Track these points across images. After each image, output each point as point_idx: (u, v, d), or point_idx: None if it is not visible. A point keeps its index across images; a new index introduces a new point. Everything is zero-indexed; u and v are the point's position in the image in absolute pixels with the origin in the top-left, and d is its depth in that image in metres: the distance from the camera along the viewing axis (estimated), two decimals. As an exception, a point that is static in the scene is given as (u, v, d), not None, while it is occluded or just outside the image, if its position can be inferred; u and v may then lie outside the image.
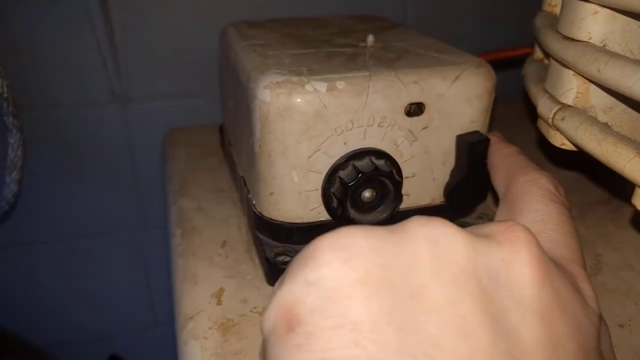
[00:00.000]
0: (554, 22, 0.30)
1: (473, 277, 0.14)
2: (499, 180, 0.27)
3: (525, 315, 0.14)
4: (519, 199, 0.22)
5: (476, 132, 0.32)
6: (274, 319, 0.14)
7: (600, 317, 0.16)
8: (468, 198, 0.34)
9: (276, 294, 0.15)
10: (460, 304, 0.13)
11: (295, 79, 0.28)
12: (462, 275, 0.14)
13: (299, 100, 0.27)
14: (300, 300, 0.14)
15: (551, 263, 0.15)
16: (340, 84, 0.28)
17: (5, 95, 0.48)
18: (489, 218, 0.35)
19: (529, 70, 0.34)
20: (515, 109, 0.59)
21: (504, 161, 0.27)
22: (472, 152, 0.31)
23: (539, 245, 0.15)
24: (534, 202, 0.21)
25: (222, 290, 0.31)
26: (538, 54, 0.36)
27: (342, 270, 0.13)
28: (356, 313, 0.13)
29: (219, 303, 0.30)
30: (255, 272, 0.33)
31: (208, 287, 0.32)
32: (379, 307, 0.13)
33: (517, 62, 0.46)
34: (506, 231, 0.15)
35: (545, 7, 0.34)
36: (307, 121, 0.28)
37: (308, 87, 0.28)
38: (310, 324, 0.13)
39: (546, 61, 0.32)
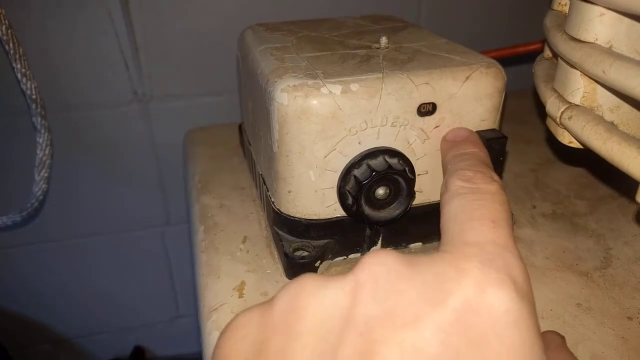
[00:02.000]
0: (563, 21, 0.31)
1: (305, 317, 0.16)
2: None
3: (346, 336, 0.15)
4: (440, 206, 0.24)
5: (494, 129, 0.32)
6: None
7: (479, 292, 0.16)
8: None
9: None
10: (289, 344, 0.16)
11: (311, 82, 0.29)
12: (297, 318, 0.16)
13: (315, 102, 0.29)
14: None
15: (401, 271, 0.16)
16: (354, 86, 0.29)
17: (34, 96, 0.50)
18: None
19: (539, 69, 0.35)
20: (525, 104, 0.60)
21: (444, 169, 0.28)
22: (489, 148, 0.31)
23: (383, 262, 0.17)
24: (444, 205, 0.22)
25: (243, 283, 0.33)
26: (548, 52, 0.36)
27: (221, 352, 0.18)
28: None
29: (240, 296, 0.32)
30: (274, 266, 0.35)
31: (230, 281, 0.33)
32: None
33: (529, 57, 0.46)
34: (357, 264, 0.17)
35: (555, 6, 0.34)
36: (322, 122, 0.29)
37: (323, 90, 0.29)
38: None
39: (555, 60, 0.33)
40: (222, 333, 0.18)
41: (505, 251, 0.18)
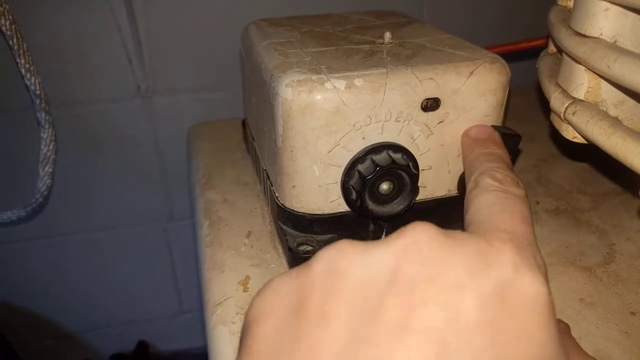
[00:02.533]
0: (568, 16, 0.31)
1: (347, 278, 0.17)
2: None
3: (387, 296, 0.16)
4: (466, 199, 0.24)
5: (508, 127, 0.32)
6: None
7: (514, 275, 0.17)
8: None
9: None
10: (329, 302, 0.16)
11: (315, 77, 0.29)
12: (339, 277, 0.17)
13: (319, 97, 0.29)
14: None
15: (443, 239, 0.17)
16: (358, 81, 0.29)
17: (38, 92, 0.51)
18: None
19: (543, 64, 0.35)
20: (529, 100, 0.60)
21: (466, 169, 0.28)
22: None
23: (426, 230, 0.17)
24: (471, 200, 0.23)
25: (248, 278, 0.33)
26: (552, 47, 0.36)
27: (257, 309, 0.18)
28: (256, 334, 0.17)
29: (245, 290, 0.32)
30: (278, 260, 0.35)
31: (235, 275, 0.33)
32: (271, 326, 0.17)
33: (533, 53, 0.46)
34: (398, 231, 0.18)
35: (560, 1, 0.34)
36: (327, 117, 0.29)
37: (328, 85, 0.29)
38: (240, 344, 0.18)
39: (559, 55, 0.33)
40: (257, 295, 0.19)
41: (533, 246, 0.19)
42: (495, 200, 0.22)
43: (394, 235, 0.18)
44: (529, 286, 0.16)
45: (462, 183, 0.34)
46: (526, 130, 0.54)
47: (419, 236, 0.17)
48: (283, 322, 0.17)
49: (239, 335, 0.29)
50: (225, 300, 0.31)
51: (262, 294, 0.18)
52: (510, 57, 0.47)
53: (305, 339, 0.16)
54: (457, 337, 0.15)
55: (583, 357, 0.22)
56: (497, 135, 0.30)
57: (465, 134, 0.31)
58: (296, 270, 0.18)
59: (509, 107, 0.34)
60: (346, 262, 0.17)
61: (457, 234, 0.18)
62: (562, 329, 0.24)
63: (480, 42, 0.42)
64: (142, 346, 0.77)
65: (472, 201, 0.23)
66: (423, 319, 0.15)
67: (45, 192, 0.54)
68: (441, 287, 0.16)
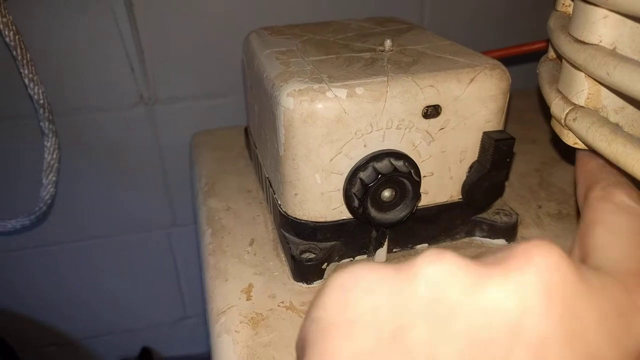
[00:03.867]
0: (567, 22, 0.31)
1: (462, 315, 0.14)
2: (579, 196, 0.25)
3: (515, 351, 0.13)
4: (588, 214, 0.21)
5: (502, 131, 0.33)
6: (297, 349, 0.17)
7: None
8: (486, 194, 0.35)
9: (301, 326, 0.17)
10: (438, 343, 0.14)
11: (316, 86, 0.29)
12: (450, 315, 0.14)
13: (320, 106, 0.29)
14: (305, 334, 0.16)
15: (578, 284, 0.14)
16: (359, 90, 0.29)
17: (41, 101, 0.51)
18: (506, 214, 0.36)
19: (543, 70, 0.35)
20: (531, 103, 0.60)
21: (586, 175, 0.25)
22: (497, 148, 0.32)
23: (558, 266, 0.14)
24: (603, 215, 0.20)
25: (251, 286, 0.33)
26: (552, 53, 0.36)
27: (336, 312, 0.15)
28: (336, 350, 0.14)
29: (248, 298, 0.32)
30: (282, 268, 0.35)
31: (238, 284, 0.33)
32: (360, 346, 0.14)
33: (534, 56, 0.46)
34: (520, 254, 0.14)
35: (559, 7, 0.34)
36: (328, 126, 0.29)
37: (329, 94, 0.29)
38: (307, 355, 0.15)
39: (559, 61, 0.33)
40: (338, 287, 0.16)
41: None
42: (636, 229, 0.19)
43: (514, 260, 0.14)
44: None
45: (467, 187, 0.34)
46: (528, 133, 0.54)
47: (548, 276, 0.14)
48: (382, 344, 0.14)
49: (242, 344, 0.29)
50: (228, 308, 0.32)
51: (347, 290, 0.15)
52: (511, 60, 0.48)
53: None
54: None
55: None
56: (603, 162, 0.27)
57: (583, 166, 0.28)
58: (394, 274, 0.15)
59: (511, 110, 0.34)
60: (456, 292, 0.14)
61: (589, 274, 0.15)
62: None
63: (481, 46, 0.43)
64: (146, 352, 0.77)
65: (604, 215, 0.20)
66: None
67: (49, 201, 0.55)
68: (576, 354, 0.13)
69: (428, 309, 0.14)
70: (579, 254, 0.19)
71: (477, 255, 0.16)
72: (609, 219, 0.19)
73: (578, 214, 0.41)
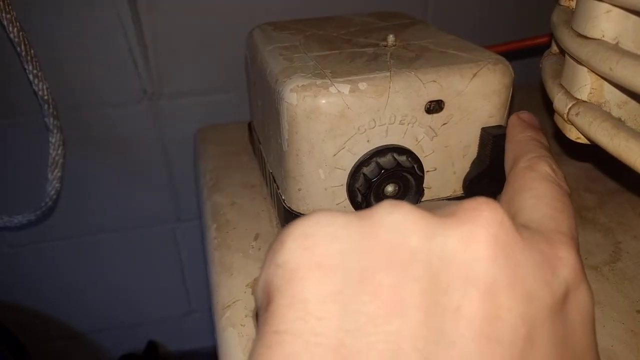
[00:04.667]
0: (570, 17, 0.31)
1: (422, 261, 0.15)
2: (505, 165, 0.28)
3: (468, 292, 0.15)
4: (516, 182, 0.23)
5: (500, 126, 0.33)
6: (259, 296, 0.17)
7: (575, 286, 0.17)
8: (487, 189, 0.35)
9: (260, 273, 0.17)
10: (402, 287, 0.15)
11: (319, 81, 0.29)
12: (412, 260, 0.15)
13: (323, 102, 0.29)
14: (270, 280, 0.16)
15: (516, 237, 0.16)
16: (362, 85, 0.30)
17: (46, 97, 0.51)
18: (509, 208, 0.36)
19: (547, 64, 0.35)
20: (534, 98, 0.60)
21: (514, 146, 0.28)
22: (495, 144, 0.32)
23: (502, 222, 0.16)
24: (529, 182, 0.22)
25: (255, 281, 0.34)
26: (555, 48, 0.36)
27: (302, 256, 0.16)
28: (307, 293, 0.15)
29: (253, 292, 0.33)
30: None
31: (243, 278, 0.34)
32: (329, 288, 0.15)
33: (538, 50, 0.46)
34: (470, 209, 0.16)
35: (562, 2, 0.34)
36: (331, 121, 0.29)
37: (332, 90, 0.29)
38: (274, 302, 0.15)
39: (562, 56, 0.33)
40: (300, 230, 0.16)
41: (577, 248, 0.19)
42: (555, 195, 0.21)
43: (465, 214, 0.16)
44: (584, 297, 0.17)
45: (467, 182, 0.34)
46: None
47: (494, 227, 0.16)
48: (345, 289, 0.15)
49: (247, 337, 0.29)
50: (234, 303, 0.32)
51: (312, 235, 0.16)
52: (516, 54, 0.47)
53: (381, 324, 0.14)
54: (534, 352, 0.15)
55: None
56: (538, 122, 0.30)
57: (516, 115, 0.30)
58: (357, 221, 0.16)
59: (515, 104, 0.34)
60: (415, 239, 0.15)
61: (521, 229, 0.17)
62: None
63: (485, 40, 0.43)
64: (152, 346, 0.78)
65: (529, 183, 0.22)
66: (506, 330, 0.15)
67: (55, 196, 0.55)
68: (521, 296, 0.15)
69: (390, 253, 0.15)
70: (508, 211, 0.21)
71: (429, 208, 0.17)
72: (534, 186, 0.22)
73: (582, 208, 0.41)
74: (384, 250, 0.15)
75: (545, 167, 0.23)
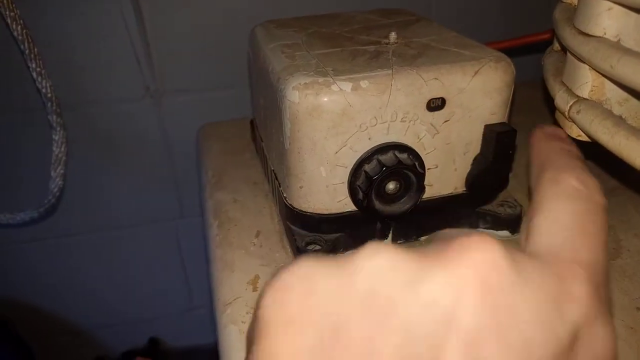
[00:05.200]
0: (572, 14, 0.31)
1: (400, 311, 0.14)
2: (532, 175, 0.25)
3: (449, 343, 0.14)
4: (537, 197, 0.21)
5: (504, 123, 0.33)
6: (247, 342, 0.17)
7: (588, 324, 0.15)
8: (490, 186, 0.35)
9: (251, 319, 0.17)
10: (376, 338, 0.14)
11: (321, 80, 0.30)
12: (389, 310, 0.14)
13: (325, 100, 0.29)
14: (251, 331, 0.16)
15: (513, 278, 0.14)
16: (364, 83, 0.30)
17: (49, 95, 0.51)
18: (510, 205, 0.36)
19: (548, 62, 0.35)
20: (537, 94, 0.60)
21: (540, 156, 0.25)
22: (498, 141, 0.32)
23: (494, 262, 0.15)
24: (550, 200, 0.20)
25: (257, 277, 0.34)
26: (557, 45, 0.36)
27: (276, 312, 0.15)
28: (278, 348, 0.15)
29: (254, 289, 0.33)
30: (287, 260, 0.35)
31: (244, 275, 0.34)
32: (300, 343, 0.14)
33: (541, 46, 0.46)
34: (459, 249, 0.15)
35: (565, -1, 0.34)
36: (333, 119, 0.30)
37: (334, 88, 0.29)
38: (252, 351, 0.15)
39: (564, 53, 0.33)
40: (282, 284, 0.16)
41: (602, 275, 0.17)
42: (580, 215, 0.18)
43: (452, 254, 0.15)
44: (599, 336, 0.15)
45: (470, 180, 0.34)
46: (533, 124, 0.53)
47: (482, 268, 0.14)
48: (322, 342, 0.15)
49: (249, 334, 0.29)
50: (235, 300, 0.32)
51: (287, 290, 0.16)
52: (519, 51, 0.47)
53: None
54: None
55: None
56: (565, 134, 0.26)
57: (539, 128, 0.27)
58: (336, 271, 0.15)
59: (518, 100, 0.34)
60: (394, 289, 0.14)
61: (524, 262, 0.15)
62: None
63: (488, 36, 0.43)
64: (154, 342, 0.78)
65: (550, 201, 0.19)
66: None
67: (57, 193, 0.55)
68: (512, 345, 0.14)
69: (366, 303, 0.14)
70: (525, 233, 0.19)
71: (419, 250, 0.16)
72: (555, 205, 0.19)
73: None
74: (360, 300, 0.15)
75: (572, 181, 0.20)
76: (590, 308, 0.15)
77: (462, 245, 0.15)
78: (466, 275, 0.14)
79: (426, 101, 0.31)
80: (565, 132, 0.27)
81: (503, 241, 0.15)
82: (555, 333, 0.14)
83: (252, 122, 0.49)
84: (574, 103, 0.28)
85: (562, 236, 0.17)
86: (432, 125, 0.32)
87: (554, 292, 0.15)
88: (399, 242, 0.36)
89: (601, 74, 0.27)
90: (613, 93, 0.27)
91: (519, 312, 0.14)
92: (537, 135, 0.26)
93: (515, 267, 0.15)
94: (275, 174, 0.37)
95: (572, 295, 0.15)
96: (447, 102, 0.31)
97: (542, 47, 0.46)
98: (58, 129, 0.53)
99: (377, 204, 0.32)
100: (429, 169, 0.33)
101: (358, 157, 0.31)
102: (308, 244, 0.33)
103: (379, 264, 0.15)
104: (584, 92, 0.28)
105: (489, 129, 0.32)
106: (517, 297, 0.14)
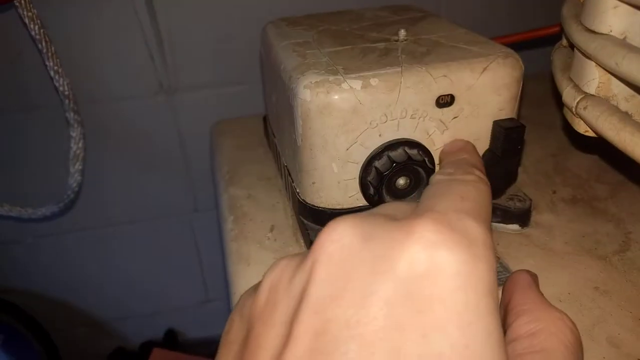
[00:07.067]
0: (580, 11, 0.31)
1: (280, 298, 0.17)
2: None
3: (299, 314, 0.16)
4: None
5: (512, 118, 0.33)
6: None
7: (430, 255, 0.16)
8: (499, 181, 0.36)
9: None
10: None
11: (332, 78, 0.30)
12: (275, 300, 0.18)
13: (336, 97, 0.30)
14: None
15: (355, 247, 0.16)
16: (374, 81, 0.30)
17: (66, 93, 0.52)
18: (520, 199, 0.37)
19: (556, 57, 0.35)
20: (547, 87, 0.60)
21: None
22: (507, 137, 0.32)
23: (339, 240, 0.17)
24: (431, 185, 0.22)
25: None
26: (565, 41, 0.37)
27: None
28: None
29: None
30: (300, 253, 0.36)
31: (259, 268, 0.35)
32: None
33: (551, 39, 0.47)
34: (317, 239, 0.17)
35: (573, -6, 0.35)
36: (344, 117, 0.30)
37: (344, 86, 0.30)
38: None
39: (572, 49, 0.34)
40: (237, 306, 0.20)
41: (467, 216, 0.17)
42: (437, 188, 0.21)
43: (313, 245, 0.17)
44: (446, 268, 0.15)
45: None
46: (544, 118, 0.54)
47: (330, 248, 0.17)
48: (237, 353, 0.18)
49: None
50: (250, 292, 0.33)
51: (231, 315, 0.20)
52: (530, 43, 0.48)
53: None
54: (362, 351, 0.14)
55: (547, 311, 0.19)
56: (470, 146, 0.30)
57: (442, 151, 0.31)
58: (252, 297, 0.19)
59: (528, 94, 0.34)
60: (281, 289, 0.17)
61: (376, 229, 0.17)
62: (525, 284, 0.21)
63: (498, 30, 0.43)
64: (171, 334, 0.80)
65: (421, 197, 0.21)
66: (330, 340, 0.15)
67: (76, 189, 0.57)
68: (347, 303, 0.15)
69: (262, 310, 0.18)
70: None
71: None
72: (422, 196, 0.21)
73: (593, 198, 0.41)
74: (259, 311, 0.18)
75: (436, 176, 0.23)
76: (428, 238, 0.16)
77: (319, 238, 0.17)
78: (316, 258, 0.17)
79: (435, 98, 0.31)
80: (462, 141, 0.31)
81: (359, 218, 0.18)
82: (387, 273, 0.15)
83: (264, 119, 0.50)
84: (581, 99, 0.29)
85: (421, 204, 0.19)
86: (441, 121, 0.32)
87: (392, 238, 0.16)
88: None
89: (607, 71, 0.27)
90: (620, 89, 0.28)
91: (357, 272, 0.16)
92: (439, 156, 0.31)
93: (361, 237, 0.17)
94: (288, 170, 0.38)
95: (411, 233, 0.16)
96: (456, 99, 0.32)
97: (551, 39, 0.46)
98: (75, 125, 0.54)
99: (388, 199, 0.32)
100: (438, 164, 0.33)
101: (369, 153, 0.32)
102: (320, 238, 0.34)
103: (273, 274, 0.19)
104: (591, 89, 0.29)
105: (497, 125, 0.33)
106: (356, 260, 0.16)
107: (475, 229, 0.17)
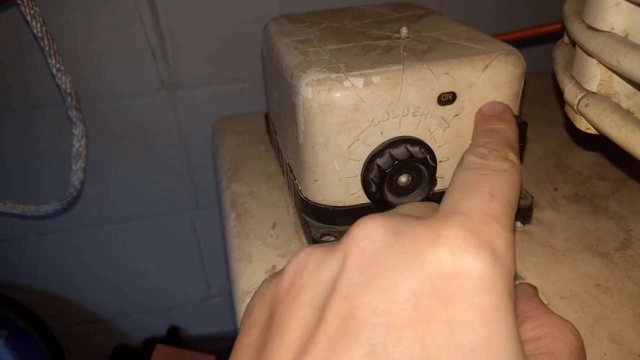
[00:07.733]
0: (582, 8, 0.31)
1: (309, 288, 0.18)
2: None
3: (330, 302, 0.17)
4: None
5: (516, 116, 0.33)
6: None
7: (457, 259, 0.16)
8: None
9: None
10: (291, 314, 0.18)
11: (334, 76, 0.30)
12: (299, 290, 0.18)
13: (338, 95, 0.30)
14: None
15: (385, 242, 0.17)
16: (375, 79, 0.30)
17: (69, 90, 0.53)
18: (521, 196, 0.37)
19: (558, 55, 0.35)
20: (549, 84, 0.60)
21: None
22: None
23: (370, 236, 0.18)
24: (454, 176, 0.22)
25: (274, 267, 0.35)
26: (567, 38, 0.37)
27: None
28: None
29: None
30: (302, 251, 0.36)
31: (262, 265, 0.35)
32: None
33: (553, 37, 0.47)
34: (347, 234, 0.18)
35: (575, -9, 0.35)
36: (346, 114, 0.30)
37: (346, 83, 0.30)
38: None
39: (574, 46, 0.34)
40: (253, 297, 0.21)
41: (494, 221, 0.18)
42: (467, 178, 0.21)
43: (344, 239, 0.18)
44: (471, 271, 0.16)
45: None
46: (545, 115, 0.54)
47: (362, 243, 0.18)
48: (259, 334, 0.18)
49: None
50: (253, 289, 0.33)
51: (251, 300, 0.21)
52: (532, 40, 0.48)
53: (266, 348, 0.17)
54: (388, 336, 0.15)
55: (551, 318, 0.20)
56: (508, 112, 0.29)
57: (479, 111, 0.31)
58: (275, 281, 0.20)
59: (531, 91, 0.34)
60: (306, 274, 0.18)
61: (405, 227, 0.18)
62: (529, 295, 0.23)
63: (500, 27, 0.43)
64: (174, 331, 0.80)
65: (452, 179, 0.22)
66: (358, 324, 0.16)
67: (79, 186, 0.57)
68: (376, 291, 0.16)
69: (287, 293, 0.18)
70: None
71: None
72: (453, 179, 0.21)
73: (595, 196, 0.41)
74: (284, 294, 0.19)
75: (469, 157, 0.23)
76: (455, 243, 0.17)
77: (350, 231, 0.18)
78: (349, 251, 0.18)
79: (437, 96, 0.31)
80: (502, 104, 0.30)
81: (388, 216, 0.19)
82: (416, 268, 0.16)
83: (266, 116, 0.50)
84: (582, 97, 0.29)
85: (451, 198, 0.20)
86: (443, 119, 0.32)
87: (421, 237, 0.17)
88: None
89: (609, 68, 0.27)
90: (621, 87, 0.28)
91: (386, 263, 0.17)
92: (475, 117, 0.31)
93: (392, 233, 0.17)
94: (290, 167, 0.38)
95: (440, 236, 0.17)
96: (457, 97, 0.32)
97: (553, 36, 0.46)
98: (78, 123, 0.54)
99: (390, 197, 0.33)
100: (440, 161, 0.33)
101: (370, 151, 0.32)
102: (323, 235, 0.34)
103: (300, 259, 0.19)
104: (593, 86, 0.29)
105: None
106: (386, 253, 0.17)
107: (501, 237, 0.17)
